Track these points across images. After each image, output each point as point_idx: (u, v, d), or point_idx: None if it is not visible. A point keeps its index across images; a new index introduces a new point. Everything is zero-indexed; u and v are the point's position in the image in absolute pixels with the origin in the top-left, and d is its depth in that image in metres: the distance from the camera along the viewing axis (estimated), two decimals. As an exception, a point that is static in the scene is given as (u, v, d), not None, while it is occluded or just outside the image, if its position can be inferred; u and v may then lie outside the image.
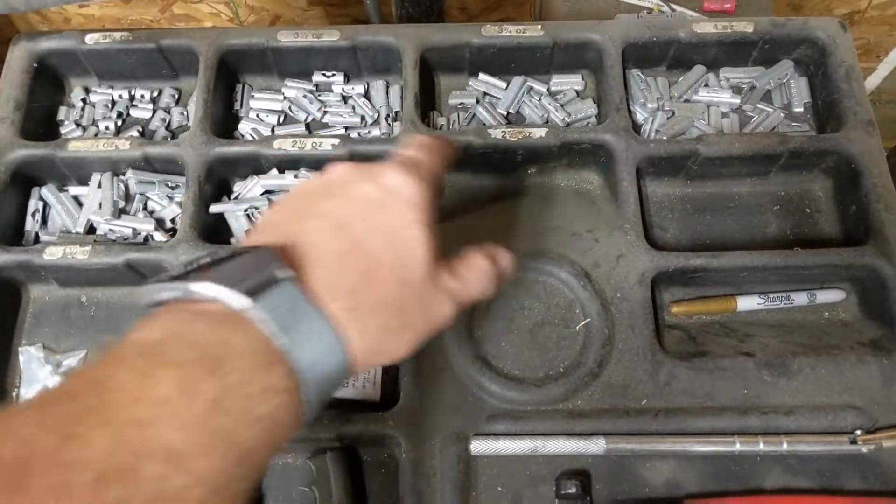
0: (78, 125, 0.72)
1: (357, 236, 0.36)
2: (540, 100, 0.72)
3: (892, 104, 1.45)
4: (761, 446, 0.55)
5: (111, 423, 0.26)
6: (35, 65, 0.70)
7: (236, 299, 0.31)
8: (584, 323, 0.60)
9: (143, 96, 0.74)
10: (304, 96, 0.73)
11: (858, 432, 0.56)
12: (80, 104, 0.74)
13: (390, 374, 0.62)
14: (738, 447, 0.55)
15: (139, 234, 0.66)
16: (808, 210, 0.68)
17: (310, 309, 0.33)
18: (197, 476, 0.27)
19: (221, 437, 0.28)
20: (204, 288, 0.31)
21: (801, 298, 0.64)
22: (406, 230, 0.37)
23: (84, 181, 0.69)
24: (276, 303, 0.32)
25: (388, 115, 0.72)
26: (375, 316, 0.35)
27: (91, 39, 0.70)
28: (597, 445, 0.55)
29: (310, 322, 0.32)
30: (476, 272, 0.42)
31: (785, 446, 0.55)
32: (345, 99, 0.74)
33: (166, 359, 0.29)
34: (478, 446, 0.55)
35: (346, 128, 0.72)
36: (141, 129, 0.72)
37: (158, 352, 0.29)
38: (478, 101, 0.72)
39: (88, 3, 1.27)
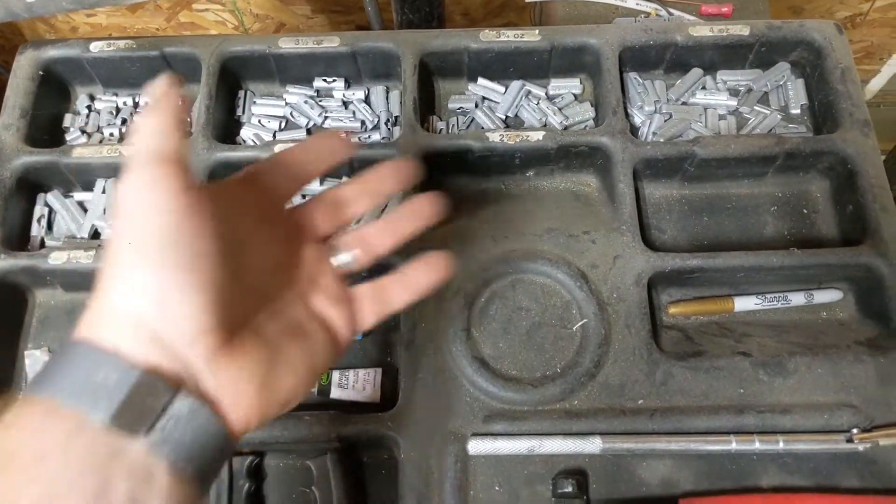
0: (83, 132, 0.74)
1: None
2: (538, 103, 0.73)
3: (895, 106, 1.45)
4: (757, 445, 0.55)
5: None
6: (41, 73, 0.71)
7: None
8: (581, 323, 0.61)
9: (146, 103, 0.75)
10: (306, 102, 0.74)
11: (855, 431, 0.56)
12: (85, 111, 0.75)
13: (390, 376, 0.63)
14: (734, 446, 0.55)
15: (143, 238, 0.67)
16: (805, 211, 0.68)
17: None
18: None
19: None
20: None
21: (798, 298, 0.64)
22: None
23: (89, 187, 0.71)
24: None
25: (388, 120, 0.73)
26: None
27: (96, 47, 0.71)
28: (593, 445, 0.55)
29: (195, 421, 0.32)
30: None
31: (781, 445, 0.55)
32: (345, 104, 0.75)
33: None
34: (475, 446, 0.56)
35: (347, 133, 0.73)
36: (145, 136, 0.73)
37: None
38: (476, 106, 0.73)
39: (94, 10, 1.29)
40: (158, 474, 0.30)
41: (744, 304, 0.64)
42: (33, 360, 0.65)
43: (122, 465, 0.29)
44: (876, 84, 1.44)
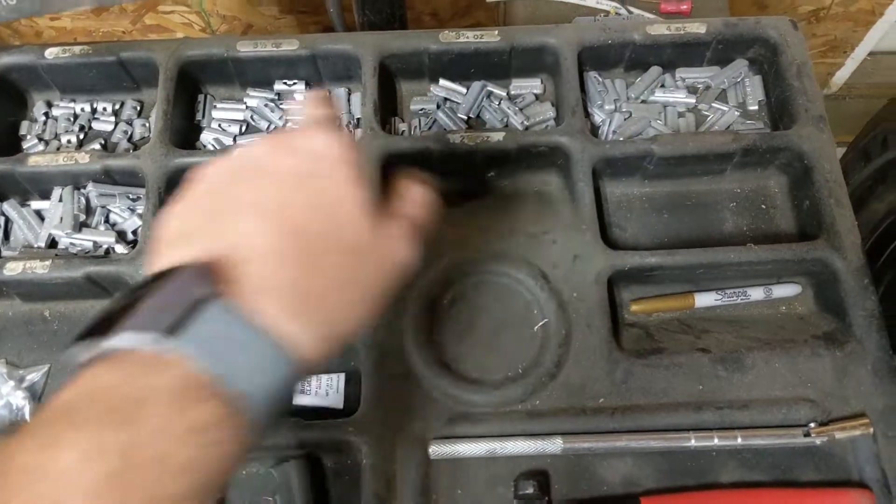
0: (40, 139, 0.73)
1: (292, 220, 0.33)
2: (500, 104, 0.73)
3: (860, 98, 1.47)
4: (716, 441, 0.56)
5: None
6: (-5, 80, 0.70)
7: (155, 343, 0.29)
8: (541, 323, 0.61)
9: (105, 109, 0.74)
10: (266, 105, 0.73)
11: (812, 425, 0.56)
12: (43, 118, 0.74)
13: (352, 381, 0.62)
14: (693, 443, 0.56)
15: (100, 246, 0.67)
16: (763, 206, 0.69)
17: (242, 326, 0.30)
18: None
19: (134, 494, 0.26)
20: (119, 342, 0.29)
21: (757, 294, 0.65)
22: (340, 191, 0.34)
23: (46, 195, 0.70)
24: (204, 331, 0.29)
25: (349, 122, 0.73)
26: (324, 302, 0.33)
27: (51, 54, 0.70)
28: (554, 445, 0.55)
29: (245, 341, 0.30)
30: (412, 202, 0.40)
31: (739, 440, 0.56)
32: (306, 107, 0.74)
33: (73, 422, 0.27)
34: (436, 450, 0.56)
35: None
36: (103, 142, 0.73)
37: (67, 416, 0.27)
38: (438, 107, 0.73)
39: (58, 14, 1.27)
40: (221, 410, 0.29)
41: (704, 300, 0.65)
42: (-9, 372, 0.64)
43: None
44: (840, 77, 1.46)
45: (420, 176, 0.42)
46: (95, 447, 0.26)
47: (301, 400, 0.62)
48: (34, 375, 0.64)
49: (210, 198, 0.35)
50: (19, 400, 0.63)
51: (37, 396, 0.64)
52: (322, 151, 0.35)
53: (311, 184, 0.34)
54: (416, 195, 0.40)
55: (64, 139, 0.72)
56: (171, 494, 0.27)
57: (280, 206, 0.33)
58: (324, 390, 0.62)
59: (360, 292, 0.35)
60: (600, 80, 0.73)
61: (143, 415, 0.27)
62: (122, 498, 0.26)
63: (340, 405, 0.62)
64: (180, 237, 0.34)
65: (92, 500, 0.25)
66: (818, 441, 0.56)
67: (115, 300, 0.31)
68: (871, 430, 0.56)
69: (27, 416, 0.62)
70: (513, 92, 0.74)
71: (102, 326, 0.30)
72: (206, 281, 0.30)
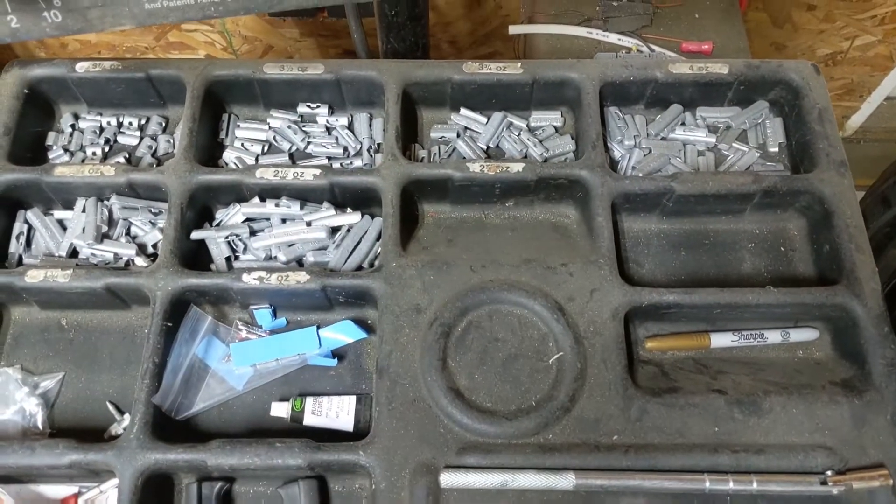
0: (66, 150, 0.74)
1: None
2: (519, 135, 0.73)
3: (876, 143, 1.48)
4: (731, 485, 0.55)
5: None
6: (26, 91, 0.71)
7: None
8: (557, 356, 0.61)
9: (130, 123, 0.75)
10: (289, 127, 0.74)
11: (829, 473, 0.56)
12: (69, 130, 0.75)
13: (364, 404, 0.62)
14: (707, 486, 0.55)
15: (120, 258, 0.67)
16: (782, 248, 0.69)
17: None
18: None
19: None
20: None
21: (774, 336, 0.65)
22: None
23: (69, 206, 0.70)
24: None
25: (370, 147, 0.73)
26: None
27: (81, 67, 0.71)
28: (566, 480, 0.55)
29: None
30: None
31: (755, 486, 0.55)
32: (328, 130, 0.75)
33: None
34: (447, 479, 0.55)
35: (329, 158, 0.73)
36: (127, 156, 0.73)
37: None
38: (458, 135, 0.73)
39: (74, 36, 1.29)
40: None
41: (720, 340, 0.65)
42: (5, 377, 0.64)
43: None
44: (856, 120, 1.46)
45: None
46: None
47: (311, 421, 0.61)
48: (48, 383, 0.64)
49: None
50: (32, 406, 0.63)
51: (50, 404, 0.64)
52: None
53: None
54: None
55: (89, 151, 0.73)
56: None
57: None
58: (334, 412, 0.62)
59: None
60: (620, 115, 0.74)
61: None
62: None
63: (350, 428, 0.61)
64: None
65: None
66: (835, 490, 0.55)
67: None
68: (891, 481, 0.55)
69: (39, 424, 0.62)
70: (532, 124, 0.74)
71: None
72: None
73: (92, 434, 0.62)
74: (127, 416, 0.62)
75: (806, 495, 0.56)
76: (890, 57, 1.30)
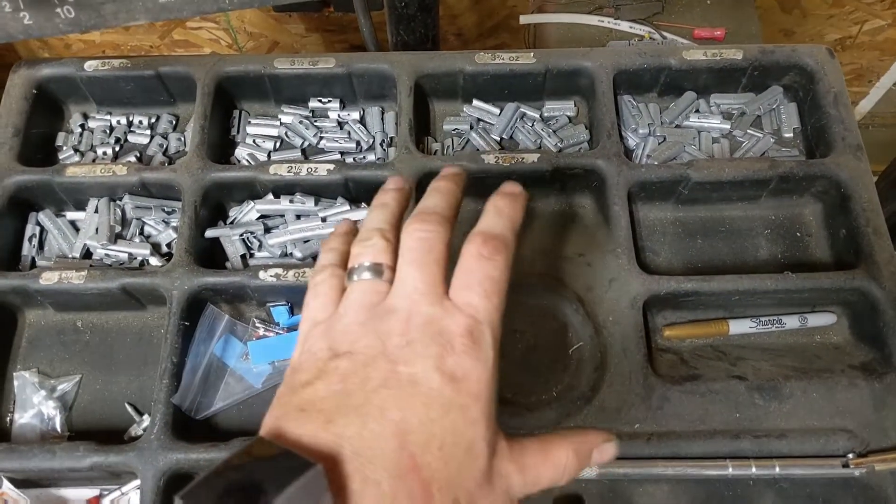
0: (76, 151, 0.73)
1: (414, 447, 0.31)
2: (533, 125, 0.73)
3: (884, 128, 1.47)
4: (754, 470, 0.55)
5: None
6: (34, 91, 0.71)
7: None
8: (576, 346, 0.61)
9: (140, 122, 0.75)
10: (301, 122, 0.74)
11: (850, 455, 0.56)
12: (79, 130, 0.75)
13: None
14: (730, 471, 0.55)
15: (135, 258, 0.67)
16: (798, 234, 0.69)
17: None
18: None
19: None
20: None
21: (792, 322, 0.64)
22: (464, 436, 0.32)
23: (81, 206, 0.70)
24: None
25: (383, 141, 0.73)
26: None
27: (90, 66, 0.71)
28: (590, 470, 0.55)
29: None
30: (552, 467, 0.35)
31: (777, 470, 0.55)
32: (340, 125, 0.75)
33: None
34: (471, 471, 0.55)
35: (342, 153, 0.73)
36: (138, 155, 0.73)
37: None
38: (472, 127, 0.73)
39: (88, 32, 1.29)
40: None
41: (738, 327, 0.64)
42: (22, 381, 0.64)
43: None
44: (865, 106, 1.46)
45: (586, 435, 0.39)
46: None
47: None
48: (65, 385, 0.64)
49: (356, 382, 0.33)
50: (51, 410, 0.63)
51: (68, 406, 0.64)
52: (463, 378, 0.33)
53: (445, 417, 0.32)
54: (558, 462, 0.36)
55: (100, 151, 0.73)
56: None
57: (413, 428, 0.32)
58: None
59: None
60: (634, 103, 0.73)
61: None
62: None
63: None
64: (313, 409, 0.33)
65: None
66: (857, 472, 0.55)
67: (232, 466, 0.30)
68: (913, 463, 0.55)
69: (58, 427, 0.62)
70: (546, 114, 0.74)
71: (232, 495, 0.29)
72: (328, 491, 0.29)
73: (112, 436, 0.62)
74: (146, 417, 0.62)
75: (828, 478, 0.56)
76: (899, 40, 1.29)
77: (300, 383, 0.34)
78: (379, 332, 0.34)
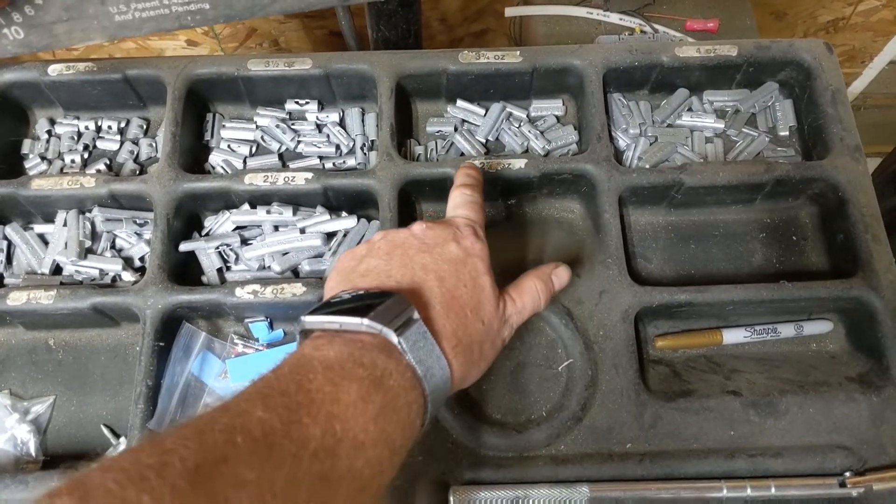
0: (43, 158, 0.70)
1: (450, 286, 0.46)
2: (520, 126, 0.70)
3: (877, 108, 1.45)
4: (749, 491, 0.54)
5: (318, 417, 0.35)
6: (-4, 97, 0.67)
7: (392, 335, 0.40)
8: (566, 363, 0.59)
9: (110, 127, 0.71)
10: (277, 125, 0.70)
11: (848, 474, 0.54)
12: (46, 136, 0.71)
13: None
14: (725, 493, 0.53)
15: (106, 274, 0.64)
16: (794, 238, 0.67)
17: (433, 346, 0.42)
18: (369, 461, 0.36)
19: (384, 435, 0.37)
20: (371, 326, 0.40)
21: (788, 330, 0.63)
22: (480, 279, 0.47)
23: (50, 218, 0.67)
24: (413, 339, 0.41)
25: (363, 145, 0.70)
26: (466, 352, 0.45)
27: (54, 71, 0.67)
28: (580, 494, 0.53)
29: (434, 356, 0.42)
30: (529, 295, 0.51)
31: (773, 490, 0.54)
32: (319, 127, 0.71)
33: (346, 374, 0.38)
34: (458, 497, 0.53)
35: (321, 158, 0.70)
36: (108, 162, 0.70)
37: (340, 368, 0.38)
38: (456, 129, 0.70)
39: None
40: (420, 398, 0.41)
41: (732, 336, 0.63)
42: (-8, 403, 0.61)
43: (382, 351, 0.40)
44: (857, 87, 1.43)
45: (547, 270, 0.54)
46: (365, 395, 0.37)
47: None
48: (39, 407, 0.62)
49: (397, 254, 0.47)
50: (24, 433, 0.61)
51: (42, 430, 0.62)
52: (471, 249, 0.48)
53: (465, 268, 0.47)
54: (531, 289, 0.52)
55: (67, 158, 0.70)
56: (398, 444, 0.39)
57: (446, 275, 0.46)
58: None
59: (482, 355, 0.47)
60: (625, 102, 0.70)
61: (388, 385, 0.39)
62: (380, 435, 0.37)
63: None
64: (378, 272, 0.46)
65: (366, 429, 0.36)
66: (854, 492, 0.54)
67: (339, 298, 0.45)
68: (912, 482, 0.54)
69: (32, 452, 0.60)
70: (533, 114, 0.71)
71: (341, 311, 0.42)
72: (411, 306, 0.42)
73: (87, 460, 0.59)
74: (123, 440, 0.60)
75: (825, 498, 0.55)
76: (894, 21, 1.26)
77: (359, 256, 0.48)
78: (409, 229, 0.49)
